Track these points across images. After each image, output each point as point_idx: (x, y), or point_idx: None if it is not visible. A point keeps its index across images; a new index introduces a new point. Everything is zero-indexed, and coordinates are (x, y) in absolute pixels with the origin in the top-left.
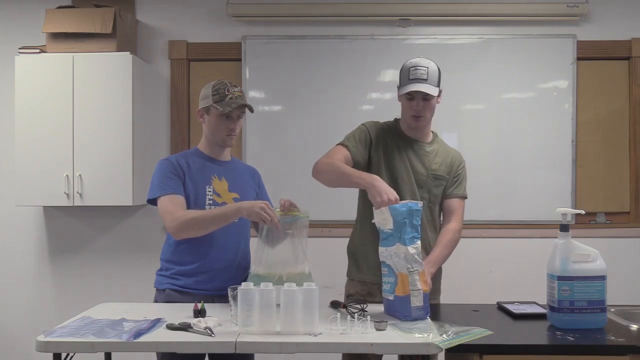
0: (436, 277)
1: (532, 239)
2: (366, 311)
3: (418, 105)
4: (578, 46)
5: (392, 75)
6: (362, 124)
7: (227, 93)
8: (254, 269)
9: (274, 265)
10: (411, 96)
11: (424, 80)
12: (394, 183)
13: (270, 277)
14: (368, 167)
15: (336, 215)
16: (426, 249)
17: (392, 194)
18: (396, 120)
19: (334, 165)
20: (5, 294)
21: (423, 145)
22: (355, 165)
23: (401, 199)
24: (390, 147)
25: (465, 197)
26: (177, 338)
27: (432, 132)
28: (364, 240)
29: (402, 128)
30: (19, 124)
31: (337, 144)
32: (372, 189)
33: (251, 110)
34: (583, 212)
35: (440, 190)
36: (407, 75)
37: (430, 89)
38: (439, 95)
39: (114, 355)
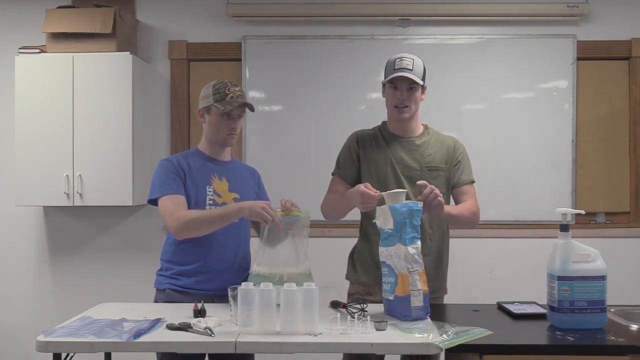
0: (441, 276)
1: (532, 239)
2: (366, 311)
3: (402, 94)
4: (578, 46)
5: None
6: (347, 139)
7: (227, 92)
8: (254, 268)
9: (275, 265)
10: (395, 85)
11: (410, 70)
12: (382, 186)
13: (271, 277)
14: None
15: None
16: (426, 243)
17: (359, 188)
18: (384, 122)
19: (327, 204)
20: (5, 294)
21: (412, 140)
22: (356, 184)
23: None
24: (373, 150)
25: (473, 182)
26: (177, 338)
27: (423, 125)
28: (361, 244)
29: (390, 127)
30: (19, 124)
31: (332, 174)
32: (352, 202)
33: (252, 109)
34: (583, 212)
35: (439, 181)
36: (393, 66)
37: (415, 78)
38: (423, 92)
39: (114, 355)
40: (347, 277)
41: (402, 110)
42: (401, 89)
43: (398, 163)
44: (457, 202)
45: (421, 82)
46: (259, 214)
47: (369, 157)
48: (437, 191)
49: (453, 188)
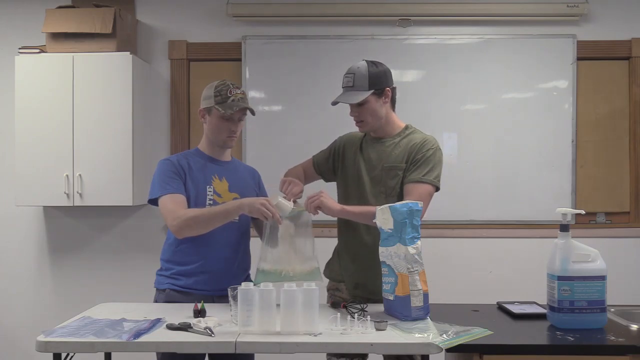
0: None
1: (532, 239)
2: (366, 311)
3: (353, 112)
4: (578, 46)
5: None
6: (339, 137)
7: (229, 95)
8: (261, 265)
9: (281, 262)
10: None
11: (350, 88)
12: (346, 189)
13: (277, 274)
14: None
15: None
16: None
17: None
18: None
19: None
20: (5, 294)
21: (385, 142)
22: (320, 174)
23: (351, 203)
24: (352, 151)
25: (422, 182)
26: (177, 338)
27: (404, 125)
28: None
29: (371, 131)
30: (19, 124)
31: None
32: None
33: (253, 113)
34: (583, 212)
35: (397, 180)
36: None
37: (350, 97)
38: (382, 95)
39: (114, 355)
40: None
41: (359, 124)
42: (351, 106)
43: (366, 163)
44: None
45: (355, 101)
46: (258, 210)
47: (347, 156)
48: (315, 198)
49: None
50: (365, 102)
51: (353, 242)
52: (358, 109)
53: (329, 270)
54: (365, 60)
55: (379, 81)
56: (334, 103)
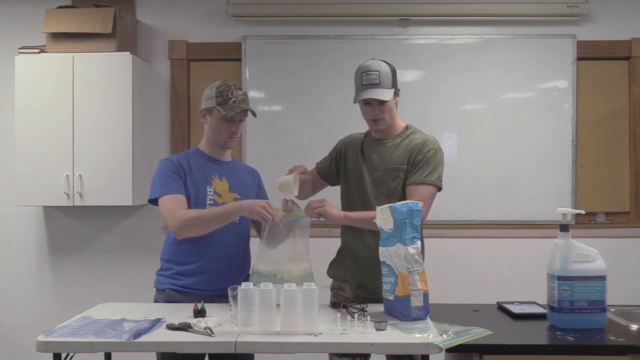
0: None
1: (532, 239)
2: (366, 311)
3: (374, 110)
4: (578, 46)
5: None
6: (340, 140)
7: (230, 96)
8: (256, 266)
9: (276, 264)
10: (367, 101)
11: (377, 85)
12: (348, 190)
13: (271, 276)
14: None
15: None
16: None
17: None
18: None
19: None
20: (5, 294)
21: (386, 142)
22: (325, 180)
23: (353, 209)
24: (350, 157)
25: (424, 183)
26: (177, 338)
27: (405, 125)
28: None
29: (372, 132)
30: (19, 124)
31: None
32: None
33: (254, 114)
34: (583, 212)
35: (399, 182)
36: (360, 81)
37: (383, 94)
38: (397, 95)
39: (114, 355)
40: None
41: (377, 122)
42: (373, 104)
43: (367, 165)
44: None
45: (389, 98)
46: (258, 212)
47: (348, 158)
48: (318, 205)
49: (405, 187)
50: (388, 99)
51: (356, 243)
52: (380, 107)
53: (333, 270)
54: (380, 60)
55: (396, 80)
56: (357, 100)
